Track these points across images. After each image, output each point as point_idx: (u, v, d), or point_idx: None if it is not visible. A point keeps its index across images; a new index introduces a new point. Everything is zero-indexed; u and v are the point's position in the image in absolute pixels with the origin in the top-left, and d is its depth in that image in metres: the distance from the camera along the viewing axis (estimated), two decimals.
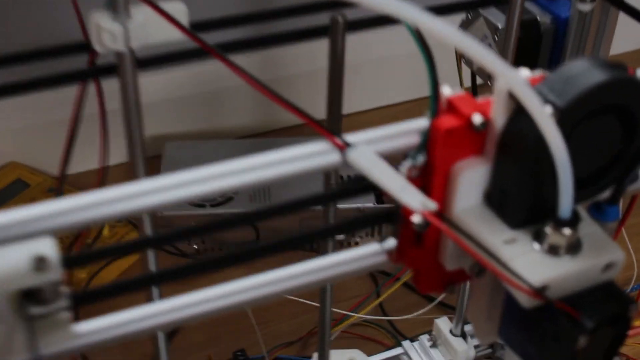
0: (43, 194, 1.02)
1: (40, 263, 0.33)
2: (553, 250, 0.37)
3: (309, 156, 0.36)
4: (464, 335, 0.75)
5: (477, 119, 0.36)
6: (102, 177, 0.57)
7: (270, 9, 0.51)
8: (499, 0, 0.60)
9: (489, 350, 0.81)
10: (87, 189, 0.35)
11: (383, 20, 0.51)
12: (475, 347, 0.79)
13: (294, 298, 0.91)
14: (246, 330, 0.88)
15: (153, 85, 1.00)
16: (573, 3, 0.62)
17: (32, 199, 1.01)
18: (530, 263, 0.36)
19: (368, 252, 0.42)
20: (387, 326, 0.91)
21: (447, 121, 0.36)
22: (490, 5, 0.62)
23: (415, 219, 0.38)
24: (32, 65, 0.48)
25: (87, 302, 0.37)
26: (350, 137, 0.37)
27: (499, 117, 0.36)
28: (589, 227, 0.38)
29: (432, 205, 0.36)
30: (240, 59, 0.42)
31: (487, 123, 0.37)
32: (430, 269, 0.41)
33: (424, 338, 0.78)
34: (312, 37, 0.52)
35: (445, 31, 0.34)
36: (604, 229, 0.39)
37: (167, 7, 0.44)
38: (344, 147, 0.36)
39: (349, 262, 0.41)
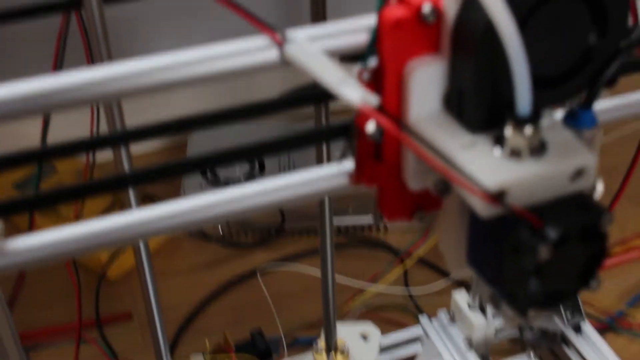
0: (72, 177, 1.02)
1: None
2: (514, 154, 0.33)
3: (245, 52, 0.34)
4: (482, 309, 0.71)
5: (426, 8, 0.33)
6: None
7: None
8: None
9: (516, 333, 0.76)
10: None
11: None
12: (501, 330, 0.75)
13: (307, 269, 0.89)
14: (266, 314, 0.85)
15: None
16: None
17: (60, 183, 1.01)
18: (488, 166, 0.33)
19: (326, 173, 0.38)
20: (404, 303, 0.87)
21: (394, 12, 0.33)
22: None
23: (369, 127, 0.35)
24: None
25: (11, 211, 0.35)
26: (290, 34, 0.34)
27: (451, 5, 0.33)
28: (559, 133, 0.34)
29: (373, 99, 0.33)
30: None
31: (438, 13, 0.33)
32: (394, 189, 0.38)
33: (443, 314, 0.74)
34: None
35: None
36: (579, 137, 0.35)
37: None
38: (282, 43, 0.34)
39: (306, 183, 0.38)
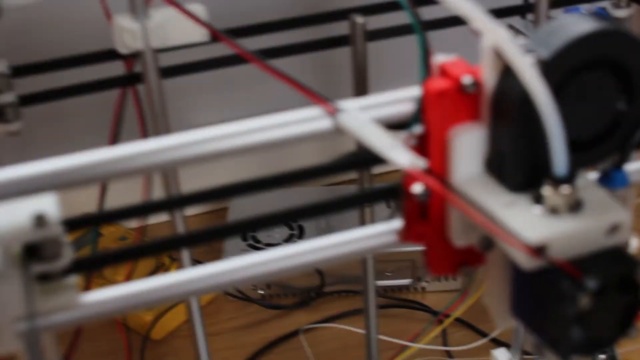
0: (115, 243, 1.05)
1: (40, 219, 0.35)
2: (552, 211, 0.36)
3: (302, 121, 0.37)
4: None
5: (466, 79, 0.36)
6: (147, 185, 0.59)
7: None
8: (523, 10, 0.60)
9: None
10: None
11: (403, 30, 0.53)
12: None
13: (348, 328, 0.91)
14: None
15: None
16: (609, 12, 0.61)
17: (104, 248, 1.05)
18: (529, 222, 0.35)
19: (375, 232, 0.41)
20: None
21: (438, 83, 0.37)
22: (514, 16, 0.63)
23: (416, 188, 0.38)
24: (68, 73, 0.52)
25: (89, 267, 0.38)
26: (342, 104, 0.37)
27: (489, 77, 0.36)
28: (594, 192, 0.37)
29: (421, 163, 0.36)
30: None
31: (478, 84, 0.36)
32: (439, 246, 0.41)
33: None
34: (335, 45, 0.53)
35: None
36: (613, 196, 0.38)
37: (187, 7, 0.46)
38: (335, 112, 0.37)
39: (356, 241, 0.41)
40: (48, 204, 0.36)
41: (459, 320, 0.94)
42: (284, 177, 0.40)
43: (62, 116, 0.98)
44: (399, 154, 0.36)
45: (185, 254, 0.57)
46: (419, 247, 1.02)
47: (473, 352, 0.90)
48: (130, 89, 0.53)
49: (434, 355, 0.92)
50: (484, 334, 0.92)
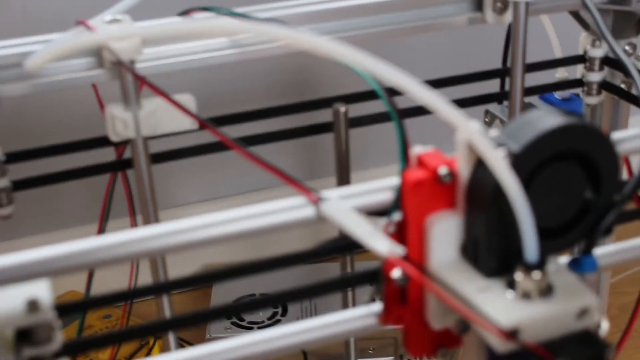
0: (100, 320, 1.05)
1: (33, 304, 0.36)
2: (524, 295, 0.37)
3: (285, 209, 0.39)
4: None
5: (442, 170, 0.38)
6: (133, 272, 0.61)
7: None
8: (500, 97, 0.63)
9: None
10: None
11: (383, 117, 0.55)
12: None
13: None
14: None
15: None
16: (581, 98, 0.64)
17: (89, 326, 1.05)
18: (502, 307, 0.37)
19: (356, 314, 0.43)
20: None
21: (415, 174, 0.39)
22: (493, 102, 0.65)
23: (395, 273, 0.40)
24: (59, 159, 0.53)
25: (78, 350, 0.39)
26: (325, 193, 0.39)
27: (464, 168, 0.38)
28: (564, 277, 0.39)
29: (399, 250, 0.37)
30: None
31: (453, 175, 0.39)
32: (418, 328, 0.42)
33: None
34: (318, 131, 0.55)
35: (411, 86, 0.37)
36: (582, 281, 0.39)
37: (176, 97, 0.48)
38: (317, 201, 0.39)
39: (338, 324, 0.43)
40: (41, 290, 0.37)
41: None
42: (268, 262, 0.41)
43: (52, 196, 0.99)
44: (378, 242, 0.37)
45: (171, 336, 0.58)
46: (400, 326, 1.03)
47: None
48: (120, 174, 0.54)
49: None
50: None
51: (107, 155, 0.58)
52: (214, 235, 0.38)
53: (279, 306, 1.04)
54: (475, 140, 0.37)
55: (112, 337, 0.41)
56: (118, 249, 0.37)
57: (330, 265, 1.12)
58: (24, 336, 0.37)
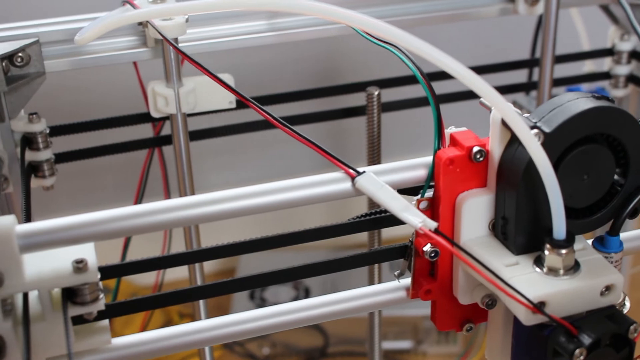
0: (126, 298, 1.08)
1: (80, 265, 0.38)
2: (551, 271, 0.39)
3: (324, 183, 0.40)
4: None
5: (475, 148, 0.40)
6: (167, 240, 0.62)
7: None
8: (527, 87, 0.64)
9: None
10: None
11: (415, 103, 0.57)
12: None
13: None
14: None
15: None
16: (608, 91, 0.65)
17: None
18: (529, 282, 0.38)
19: (386, 288, 0.44)
20: None
21: (449, 152, 0.40)
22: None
23: (426, 247, 0.41)
24: (99, 134, 0.55)
25: (121, 311, 0.41)
26: (361, 168, 0.41)
27: (496, 147, 0.40)
28: (590, 255, 0.40)
29: (432, 224, 0.39)
30: None
31: (485, 153, 0.40)
32: (446, 303, 0.44)
33: None
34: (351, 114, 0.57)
35: (453, 65, 0.38)
36: (608, 259, 0.41)
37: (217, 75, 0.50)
38: (354, 176, 0.40)
39: (369, 296, 0.44)
40: (87, 252, 0.39)
41: None
42: (304, 234, 0.43)
43: (88, 175, 1.01)
44: (411, 216, 0.39)
45: (202, 306, 0.60)
46: (421, 312, 1.05)
47: None
48: (156, 151, 0.56)
49: None
50: None
51: (140, 133, 0.59)
52: (256, 205, 0.40)
53: (301, 289, 1.06)
54: (510, 119, 0.38)
55: (154, 300, 0.42)
56: (156, 215, 0.39)
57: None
58: (71, 296, 0.39)
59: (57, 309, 0.38)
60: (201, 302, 0.59)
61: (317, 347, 1.03)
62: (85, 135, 0.56)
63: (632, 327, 0.38)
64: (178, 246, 0.62)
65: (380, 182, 0.40)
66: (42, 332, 0.38)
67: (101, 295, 0.39)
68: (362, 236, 0.64)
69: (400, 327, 1.02)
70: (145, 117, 0.54)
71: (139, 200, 0.61)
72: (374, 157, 0.57)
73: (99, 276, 0.38)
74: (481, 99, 0.39)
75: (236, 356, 1.05)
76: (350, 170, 0.41)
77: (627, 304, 0.40)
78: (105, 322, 0.40)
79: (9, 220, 0.35)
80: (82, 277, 0.38)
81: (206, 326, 0.43)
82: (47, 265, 0.38)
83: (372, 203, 0.62)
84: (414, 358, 1.03)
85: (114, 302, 0.41)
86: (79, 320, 0.39)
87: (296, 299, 1.05)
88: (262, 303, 1.03)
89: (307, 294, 1.06)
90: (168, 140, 0.55)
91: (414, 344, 1.03)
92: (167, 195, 0.61)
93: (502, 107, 0.38)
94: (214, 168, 1.07)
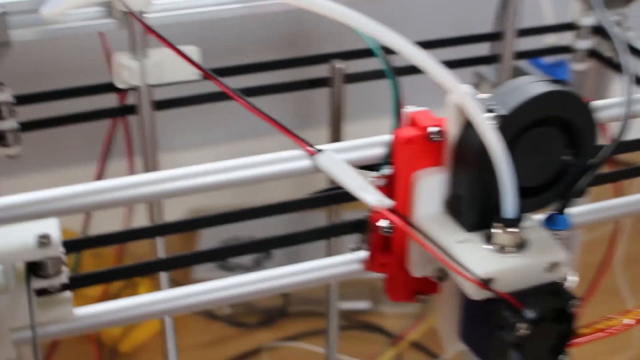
0: (91, 257, 1.08)
1: (43, 239, 0.39)
2: (500, 248, 0.40)
3: (284, 160, 0.42)
4: None
5: (432, 129, 0.41)
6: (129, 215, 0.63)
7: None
8: (490, 60, 0.65)
9: None
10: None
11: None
12: None
13: (309, 347, 0.94)
14: None
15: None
16: (569, 65, 0.67)
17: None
18: (478, 258, 0.40)
19: (342, 260, 0.46)
20: None
21: (407, 131, 0.41)
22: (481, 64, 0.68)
23: (382, 223, 0.43)
24: (64, 102, 0.56)
25: (83, 284, 0.42)
26: (321, 146, 0.42)
27: (453, 129, 0.41)
28: (538, 233, 0.42)
29: (388, 202, 0.40)
30: None
31: (442, 134, 0.41)
32: (399, 275, 0.45)
33: None
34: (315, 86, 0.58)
35: (404, 46, 0.39)
36: (555, 237, 0.43)
37: (181, 48, 0.51)
38: (314, 153, 0.42)
39: (326, 268, 0.46)
40: (51, 227, 0.39)
41: (414, 344, 0.99)
42: (263, 209, 0.44)
43: (55, 138, 1.01)
44: (368, 194, 0.40)
45: (163, 276, 0.61)
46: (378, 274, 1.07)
47: None
48: (121, 119, 0.57)
49: None
50: (437, 357, 0.97)
51: (105, 102, 0.60)
52: (216, 182, 0.41)
53: (263, 251, 1.08)
54: (465, 103, 0.39)
55: (116, 272, 0.43)
56: (121, 191, 0.39)
57: (313, 216, 1.15)
58: (34, 269, 0.40)
59: (21, 282, 0.39)
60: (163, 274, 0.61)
61: (278, 307, 1.06)
62: (51, 104, 0.57)
63: (572, 302, 0.40)
64: (141, 214, 0.63)
65: (339, 160, 0.41)
66: (6, 303, 0.39)
67: (64, 268, 0.40)
68: None
69: (358, 289, 1.05)
70: (111, 87, 0.55)
71: (103, 164, 0.61)
72: (336, 128, 0.58)
73: (62, 250, 0.39)
74: None
75: (197, 316, 1.06)
76: (310, 148, 0.42)
77: (571, 279, 0.42)
78: (68, 293, 0.41)
79: None
80: (45, 251, 0.39)
81: (169, 297, 0.44)
82: (12, 240, 0.39)
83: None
84: (371, 318, 1.06)
85: (76, 275, 0.42)
86: (43, 292, 0.40)
87: (257, 260, 1.07)
88: (224, 263, 1.05)
89: (268, 254, 1.08)
90: (133, 110, 0.56)
91: (371, 304, 1.06)
92: (131, 160, 0.62)
93: (455, 91, 0.39)
94: (181, 130, 1.08)
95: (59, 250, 0.39)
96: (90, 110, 0.56)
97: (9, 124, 0.54)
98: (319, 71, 0.59)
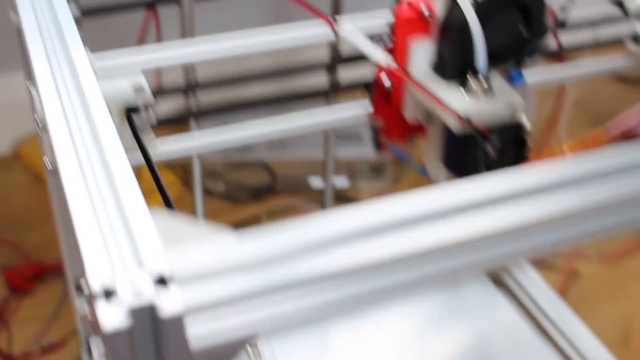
0: None
1: (139, 88, 0.52)
2: (473, 94, 0.55)
3: (308, 27, 0.55)
4: None
5: (426, 10, 0.55)
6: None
7: None
8: None
9: None
10: None
11: None
12: None
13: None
14: None
15: None
16: None
17: None
18: (459, 101, 0.55)
19: (352, 109, 0.60)
20: None
21: (405, 12, 0.56)
22: None
23: (385, 80, 0.57)
24: None
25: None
26: (340, 20, 0.56)
27: (440, 9, 0.55)
28: (502, 86, 0.57)
29: (391, 61, 0.55)
30: None
31: (432, 13, 0.55)
32: (396, 121, 0.60)
33: None
34: None
35: None
36: (514, 89, 0.58)
37: None
38: (334, 27, 0.56)
39: (336, 112, 0.60)
40: (142, 80, 0.53)
41: None
42: (277, 72, 0.58)
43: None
44: (379, 56, 0.55)
45: None
46: (355, 153, 1.22)
47: None
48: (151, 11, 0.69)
49: None
50: None
51: None
52: (252, 44, 0.54)
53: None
54: None
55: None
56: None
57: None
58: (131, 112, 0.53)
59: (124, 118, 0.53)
60: None
61: (266, 184, 1.20)
62: None
63: (526, 135, 0.55)
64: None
65: (356, 32, 0.55)
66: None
67: (152, 112, 0.54)
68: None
69: (338, 169, 1.20)
70: None
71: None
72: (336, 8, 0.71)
73: (152, 96, 0.53)
74: None
75: (193, 194, 1.21)
76: (332, 22, 0.56)
77: (525, 120, 0.57)
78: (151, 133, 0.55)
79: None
80: (141, 97, 0.52)
81: None
82: (114, 90, 0.52)
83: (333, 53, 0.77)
84: (350, 193, 1.22)
85: (163, 118, 0.55)
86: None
87: None
88: None
89: None
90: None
91: (350, 181, 1.21)
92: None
93: None
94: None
95: (150, 96, 0.53)
96: (128, 2, 0.68)
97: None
98: None
